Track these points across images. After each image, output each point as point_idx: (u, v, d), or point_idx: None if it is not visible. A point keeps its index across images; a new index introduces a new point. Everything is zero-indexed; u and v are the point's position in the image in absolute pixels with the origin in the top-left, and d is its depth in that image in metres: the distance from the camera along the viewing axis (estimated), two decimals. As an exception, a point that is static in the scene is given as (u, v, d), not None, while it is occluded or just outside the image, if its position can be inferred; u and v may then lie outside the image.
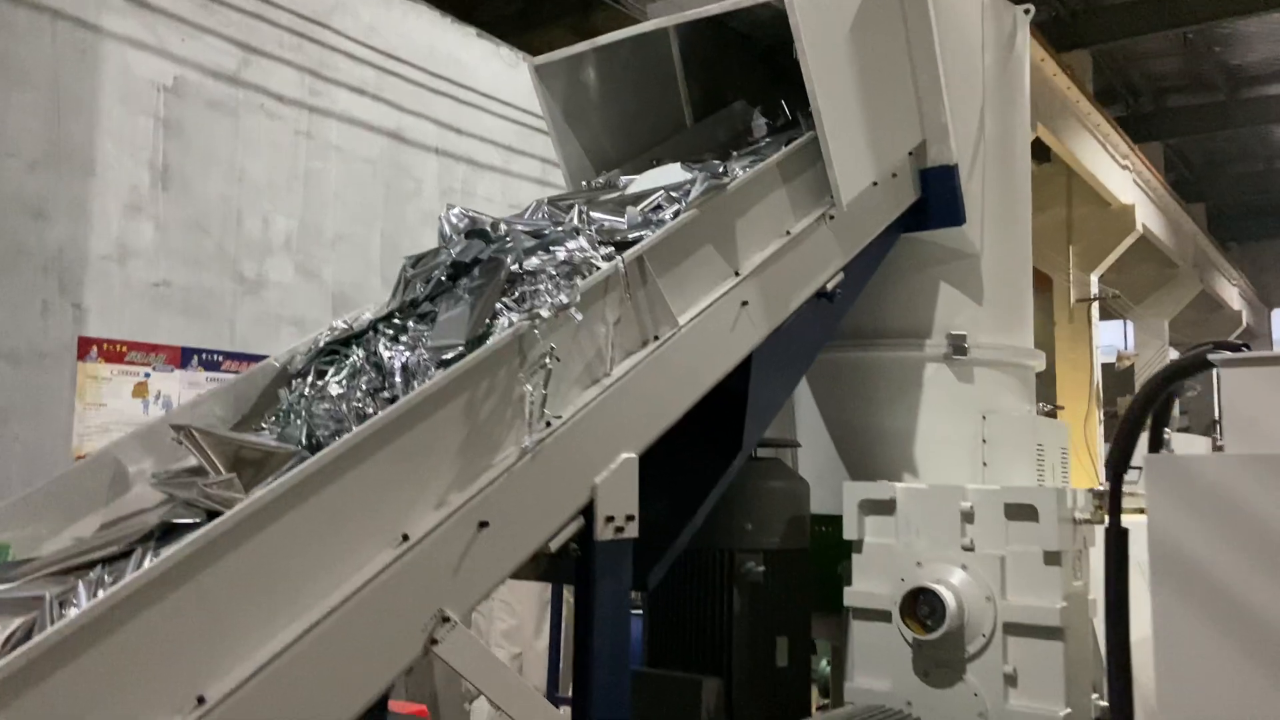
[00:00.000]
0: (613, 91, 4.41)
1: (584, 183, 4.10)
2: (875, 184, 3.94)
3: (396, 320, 2.83)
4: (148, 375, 5.44)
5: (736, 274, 3.26)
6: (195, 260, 5.78)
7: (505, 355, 2.47)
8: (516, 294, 2.67)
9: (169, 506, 2.42)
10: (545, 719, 2.47)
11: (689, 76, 4.71)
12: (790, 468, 4.26)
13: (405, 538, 2.17)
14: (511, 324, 2.52)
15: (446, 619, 2.20)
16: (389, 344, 2.73)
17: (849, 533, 3.86)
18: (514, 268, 2.73)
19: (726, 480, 3.36)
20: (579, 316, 2.59)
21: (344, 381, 2.68)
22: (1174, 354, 27.82)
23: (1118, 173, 18.74)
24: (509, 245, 2.83)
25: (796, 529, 4.03)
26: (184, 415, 2.67)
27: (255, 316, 5.97)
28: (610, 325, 2.78)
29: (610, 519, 2.66)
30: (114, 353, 5.32)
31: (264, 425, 2.70)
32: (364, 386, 2.66)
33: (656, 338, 2.92)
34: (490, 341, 2.46)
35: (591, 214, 3.29)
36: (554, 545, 2.53)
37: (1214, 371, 2.47)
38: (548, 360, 2.52)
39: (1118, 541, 2.53)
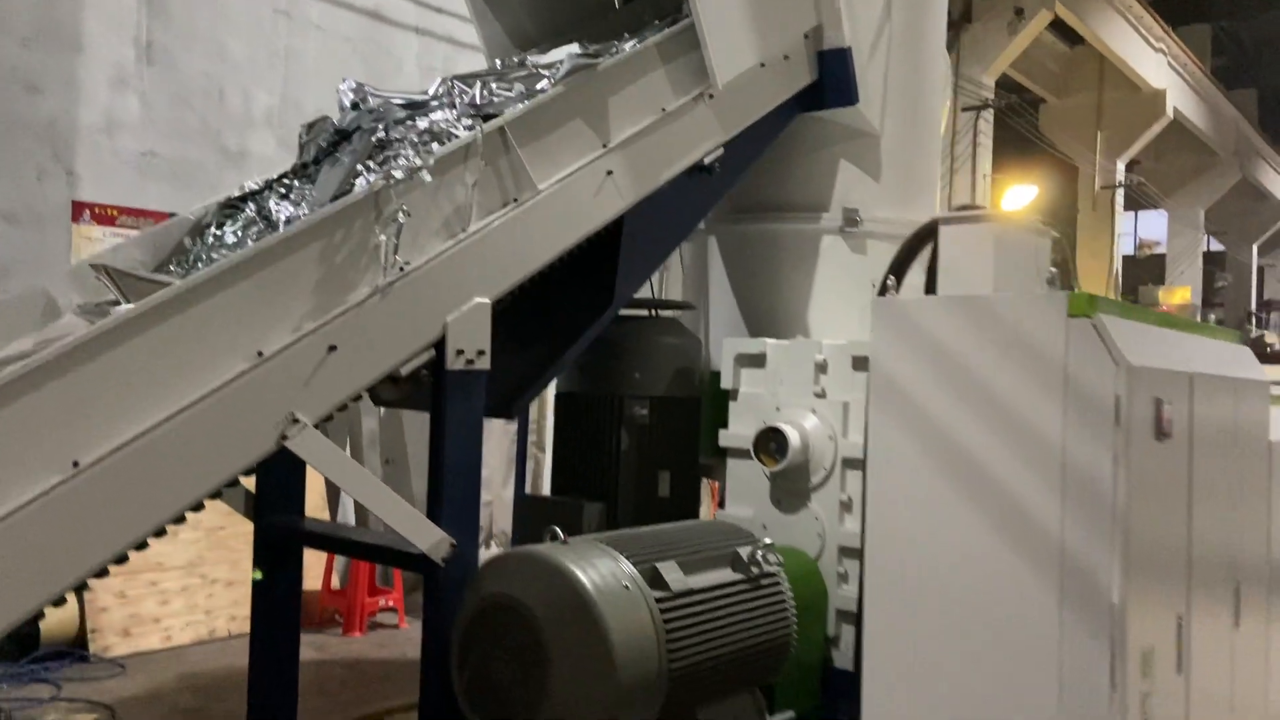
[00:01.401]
0: (537, -29, 4.72)
1: (498, 61, 4.47)
2: (763, 65, 4.27)
3: (287, 181, 3.31)
4: (138, 237, 5.99)
5: (604, 146, 3.66)
6: (180, 133, 6.27)
7: (360, 210, 2.94)
8: (381, 158, 3.13)
9: (90, 331, 2.97)
10: (391, 507, 3.03)
11: (623, -42, 4.99)
12: (684, 326, 4.73)
13: (260, 353, 2.68)
14: (369, 184, 2.98)
15: (296, 420, 2.74)
16: (278, 201, 3.22)
17: (725, 382, 4.34)
18: (381, 135, 3.17)
19: (596, 330, 3.84)
20: (428, 178, 3.03)
21: (239, 232, 3.18)
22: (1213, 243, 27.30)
23: (1150, 56, 18.31)
24: (381, 115, 3.26)
25: (684, 380, 4.53)
26: (107, 257, 3.19)
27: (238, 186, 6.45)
28: (469, 187, 3.22)
29: (460, 352, 3.15)
30: (105, 216, 5.88)
31: (173, 268, 3.22)
32: (255, 237, 3.15)
33: (516, 200, 3.36)
34: (345, 198, 2.93)
35: (493, 88, 3.71)
36: (404, 370, 3.04)
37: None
38: (400, 215, 2.98)
39: (877, 377, 2.98)
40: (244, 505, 3.66)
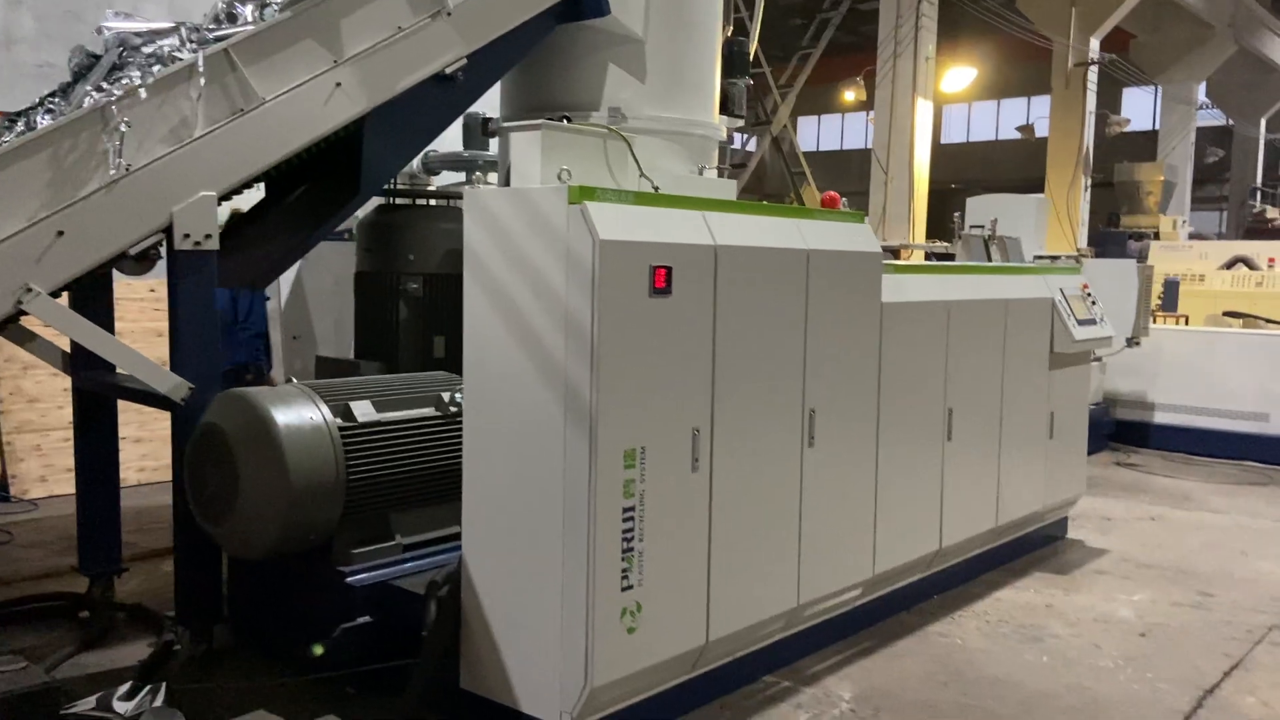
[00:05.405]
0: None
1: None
2: (509, -17, 4.90)
3: (53, 98, 4.08)
4: (37, 141, 6.79)
5: (335, 61, 4.35)
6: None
7: (87, 123, 3.71)
8: (114, 79, 3.88)
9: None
10: (131, 358, 3.88)
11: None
12: (457, 212, 5.47)
13: (-6, 238, 3.51)
14: (94, 101, 3.74)
15: (31, 289, 3.58)
16: (43, 115, 3.99)
17: (484, 260, 5.09)
18: (116, 59, 3.91)
19: (343, 217, 4.61)
20: (144, 95, 3.78)
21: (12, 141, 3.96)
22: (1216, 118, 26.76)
23: (1124, -78, 17.95)
24: (122, 42, 4.00)
25: (457, 259, 5.28)
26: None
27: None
28: (194, 101, 3.96)
29: (188, 235, 3.95)
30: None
31: (-37, 171, 4.01)
32: (22, 146, 3.93)
33: (243, 110, 4.10)
34: (74, 113, 3.69)
35: (274, 6, 4.41)
36: (134, 251, 3.85)
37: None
38: (123, 126, 3.74)
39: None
40: (61, 363, 4.55)
